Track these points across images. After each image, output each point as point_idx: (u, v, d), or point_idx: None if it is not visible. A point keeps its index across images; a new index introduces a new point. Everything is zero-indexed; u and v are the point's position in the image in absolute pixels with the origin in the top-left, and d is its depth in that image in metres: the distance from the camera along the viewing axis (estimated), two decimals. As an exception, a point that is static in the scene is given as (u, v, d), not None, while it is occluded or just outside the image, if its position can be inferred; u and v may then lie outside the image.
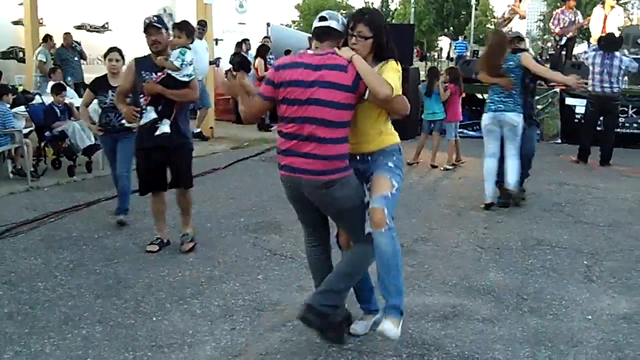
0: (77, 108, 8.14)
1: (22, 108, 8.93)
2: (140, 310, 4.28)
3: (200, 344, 3.82)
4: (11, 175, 8.23)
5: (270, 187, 7.92)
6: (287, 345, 3.79)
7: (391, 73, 3.51)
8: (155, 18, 5.29)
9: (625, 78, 11.71)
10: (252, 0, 16.12)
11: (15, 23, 13.22)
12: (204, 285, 4.74)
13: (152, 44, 5.22)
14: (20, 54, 13.18)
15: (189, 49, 5.29)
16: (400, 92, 3.53)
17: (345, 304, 3.88)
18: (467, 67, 12.49)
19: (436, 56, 37.92)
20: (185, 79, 5.26)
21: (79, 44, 12.86)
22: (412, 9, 27.19)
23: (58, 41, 12.47)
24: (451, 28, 51.73)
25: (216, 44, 13.53)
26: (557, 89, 12.25)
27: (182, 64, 5.17)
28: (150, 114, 5.16)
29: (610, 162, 9.78)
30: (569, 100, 12.02)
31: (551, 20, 14.59)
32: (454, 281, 4.83)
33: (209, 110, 11.61)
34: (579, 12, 14.26)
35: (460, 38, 31.43)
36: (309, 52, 3.64)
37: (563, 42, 14.02)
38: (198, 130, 11.44)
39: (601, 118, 10.10)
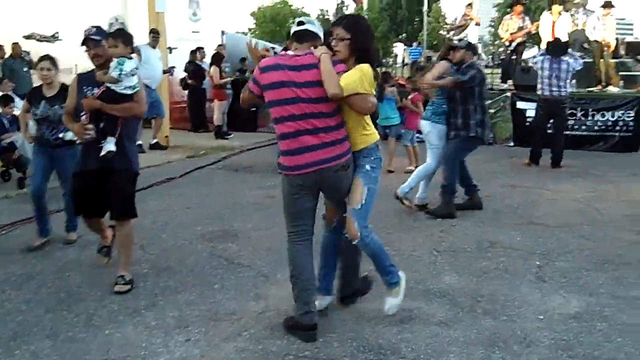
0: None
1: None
2: (92, 324, 4.21)
3: (154, 356, 3.77)
4: (-41, 188, 8.04)
5: (228, 195, 7.93)
6: (243, 355, 3.77)
7: (352, 73, 3.78)
8: (93, 30, 4.90)
9: (574, 81, 12.03)
10: (206, 8, 16.03)
11: (-38, 33, 12.91)
12: (159, 296, 4.68)
13: (92, 58, 4.88)
14: (-32, 65, 12.87)
15: (129, 58, 4.79)
16: (359, 91, 3.78)
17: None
18: (421, 72, 12.61)
19: (391, 62, 38.26)
20: (128, 91, 4.76)
21: (28, 54, 12.62)
22: (365, 16, 27.25)
23: (7, 51, 12.22)
24: (405, 34, 52.24)
25: (170, 52, 13.41)
26: (509, 93, 12.48)
27: (120, 75, 4.67)
28: (109, 145, 4.66)
29: (561, 164, 9.99)
30: (520, 104, 12.25)
31: (500, 26, 14.87)
32: (410, 285, 4.82)
33: (164, 119, 11.50)
34: (527, 18, 14.56)
35: (415, 44, 31.70)
36: (290, 53, 3.93)
37: (512, 47, 14.30)
38: (155, 140, 11.34)
39: (551, 121, 10.29)
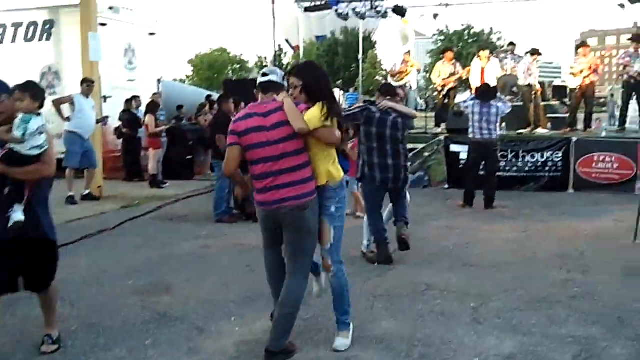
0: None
1: None
2: (17, 387, 4.02)
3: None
4: None
5: (161, 246, 7.77)
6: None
7: (313, 110, 4.24)
8: None
9: (504, 124, 12.40)
10: (142, 56, 15.93)
11: None
12: (88, 354, 4.50)
13: None
14: None
15: (37, 114, 4.29)
16: (320, 126, 4.21)
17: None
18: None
19: (329, 107, 38.62)
20: (34, 152, 4.23)
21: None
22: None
23: None
24: (342, 80, 53.10)
25: (104, 101, 13.24)
26: (442, 137, 12.76)
27: (25, 134, 4.15)
28: (17, 215, 4.18)
29: (494, 205, 10.21)
30: (454, 147, 12.52)
31: (433, 72, 15.29)
32: (347, 332, 4.83)
33: (96, 169, 11.27)
34: (458, 64, 15.06)
35: (351, 90, 32.24)
36: (257, 103, 4.41)
37: (445, 92, 14.71)
38: (87, 191, 11.09)
39: (483, 163, 10.54)
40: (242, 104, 9.92)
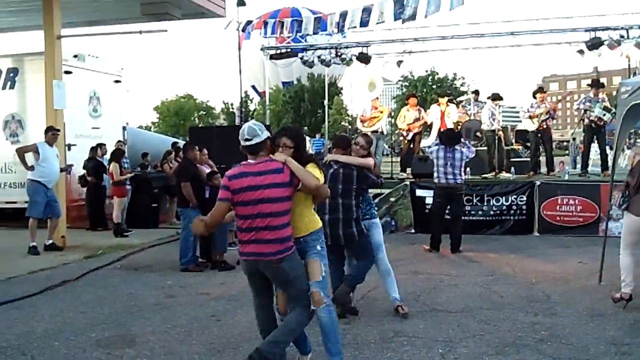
0: None
1: None
2: None
3: None
4: None
5: (126, 297, 7.63)
6: None
7: (313, 169, 4.71)
8: None
9: (468, 169, 12.57)
10: (107, 104, 15.86)
11: None
12: (48, 411, 4.37)
13: None
14: None
15: None
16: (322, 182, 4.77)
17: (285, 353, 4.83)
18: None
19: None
20: None
21: None
22: (268, 110, 27.97)
23: None
24: (308, 126, 53.52)
25: (69, 149, 13.13)
26: (408, 182, 12.87)
27: None
28: None
29: (460, 249, 10.28)
30: (419, 192, 12.62)
31: (398, 117, 15.50)
32: (314, 382, 4.77)
33: (60, 218, 11.09)
34: (422, 110, 15.30)
35: (317, 135, 32.49)
36: (251, 162, 4.62)
37: (410, 137, 14.89)
38: (50, 241, 10.89)
39: (449, 207, 10.63)
40: (206, 152, 9.93)
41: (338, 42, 18.57)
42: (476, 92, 16.80)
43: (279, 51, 17.51)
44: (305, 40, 17.96)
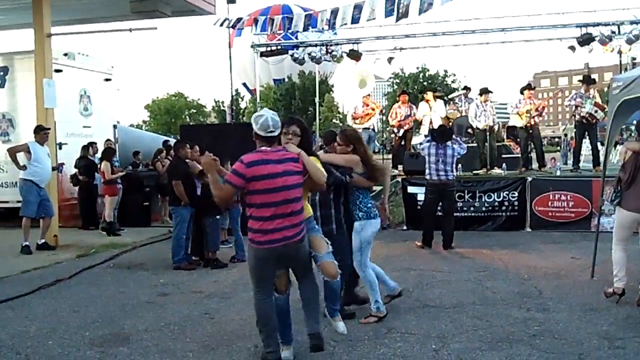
0: None
1: None
2: None
3: None
4: None
5: (119, 296, 7.61)
6: None
7: (318, 164, 5.06)
8: None
9: (460, 165, 12.58)
10: (98, 102, 15.79)
11: None
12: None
13: None
14: None
15: None
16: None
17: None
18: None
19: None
20: None
21: None
22: (258, 108, 27.93)
23: None
24: (299, 124, 53.50)
25: (60, 148, 13.08)
26: (399, 179, 12.88)
27: None
28: None
29: (452, 245, 10.30)
30: (411, 189, 12.64)
31: (389, 114, 15.51)
32: (308, 378, 4.78)
33: (52, 218, 11.04)
34: (414, 107, 15.31)
35: (309, 133, 32.47)
36: (267, 149, 4.73)
37: (401, 133, 14.90)
38: (43, 240, 10.84)
39: (440, 204, 10.64)
40: (197, 149, 9.87)
41: (329, 39, 18.57)
42: (467, 88, 16.84)
43: (269, 48, 17.50)
44: (296, 38, 17.95)
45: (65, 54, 14.46)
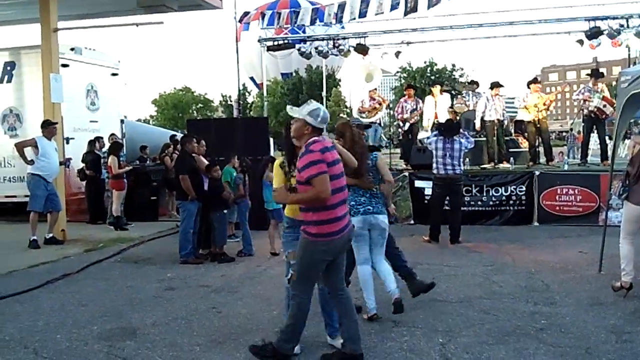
0: None
1: None
2: None
3: None
4: None
5: (126, 290, 7.64)
6: None
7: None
8: None
9: (467, 160, 12.54)
10: (105, 97, 15.81)
11: None
12: (50, 404, 4.38)
13: None
14: None
15: None
16: None
17: None
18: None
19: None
20: None
21: None
22: (265, 102, 27.93)
23: None
24: (306, 118, 53.46)
25: (67, 143, 13.11)
26: (406, 173, 12.86)
27: None
28: None
29: (459, 240, 10.29)
30: (418, 183, 12.62)
31: (396, 108, 15.47)
32: (315, 373, 4.79)
33: (60, 212, 11.08)
34: (420, 101, 15.26)
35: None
36: (325, 138, 4.78)
37: (406, 127, 14.86)
38: (50, 235, 10.88)
39: (448, 198, 10.62)
40: (204, 143, 9.86)
41: (336, 33, 18.52)
42: (475, 83, 16.77)
43: (276, 43, 17.47)
44: (304, 32, 17.91)
45: (72, 49, 14.50)
